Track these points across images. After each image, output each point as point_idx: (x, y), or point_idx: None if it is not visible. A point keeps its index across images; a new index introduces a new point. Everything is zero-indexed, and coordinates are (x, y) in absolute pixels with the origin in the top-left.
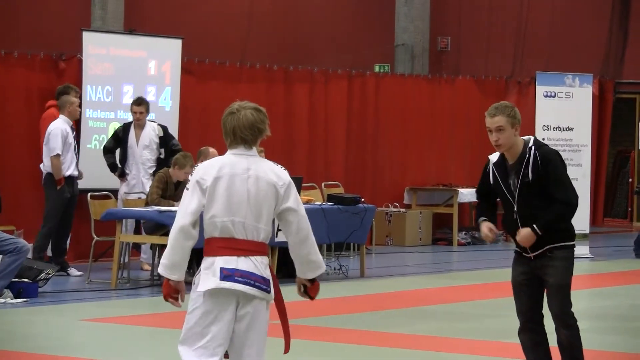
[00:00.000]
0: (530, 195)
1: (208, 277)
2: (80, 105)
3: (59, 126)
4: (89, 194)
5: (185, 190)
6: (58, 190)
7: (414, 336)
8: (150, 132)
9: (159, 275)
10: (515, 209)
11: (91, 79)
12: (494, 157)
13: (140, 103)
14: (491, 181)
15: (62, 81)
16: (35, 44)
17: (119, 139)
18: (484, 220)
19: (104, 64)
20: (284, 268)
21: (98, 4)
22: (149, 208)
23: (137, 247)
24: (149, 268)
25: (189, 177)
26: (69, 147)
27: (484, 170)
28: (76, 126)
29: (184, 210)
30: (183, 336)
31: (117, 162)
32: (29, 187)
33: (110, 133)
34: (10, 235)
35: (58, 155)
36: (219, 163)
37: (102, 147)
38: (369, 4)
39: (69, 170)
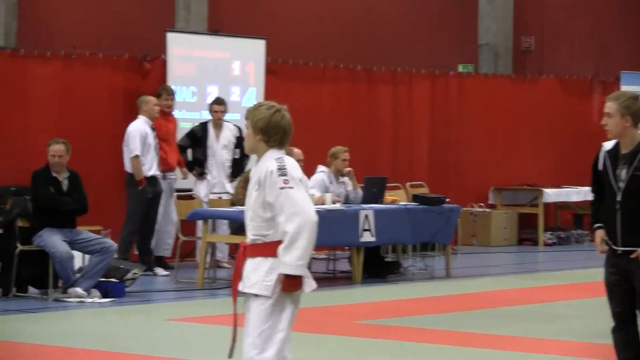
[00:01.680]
0: (639, 190)
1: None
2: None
3: (138, 127)
4: (175, 194)
5: (290, 183)
6: (139, 191)
7: (499, 337)
8: (228, 133)
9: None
10: (618, 199)
11: (176, 80)
12: (608, 144)
13: (221, 102)
14: (600, 167)
15: (147, 82)
16: (120, 45)
17: (196, 138)
18: (599, 227)
19: (188, 65)
20: (371, 268)
21: (182, 5)
22: (235, 208)
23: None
24: (229, 266)
25: (276, 170)
26: (149, 147)
27: (595, 158)
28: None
29: (310, 204)
30: (279, 350)
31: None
32: (115, 187)
33: None
34: (97, 235)
35: (137, 156)
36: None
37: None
38: (451, 3)
39: (151, 170)
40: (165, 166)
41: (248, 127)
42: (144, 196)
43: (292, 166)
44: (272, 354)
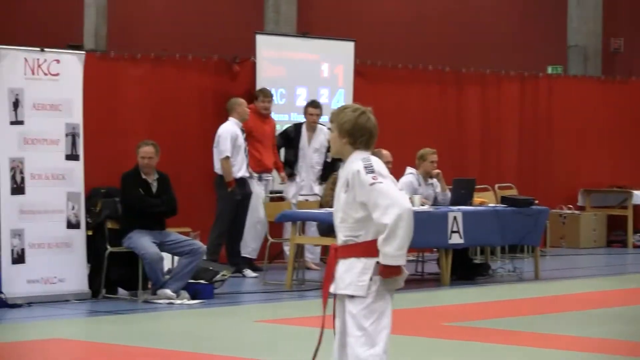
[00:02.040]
0: None
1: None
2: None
3: (228, 129)
4: (264, 196)
5: (378, 178)
6: (229, 192)
7: (589, 339)
8: (321, 136)
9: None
10: None
11: (265, 82)
12: None
13: (317, 106)
14: None
15: (236, 84)
16: (209, 47)
17: (289, 139)
18: None
19: (278, 67)
20: (459, 270)
21: (271, 7)
22: (323, 210)
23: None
24: (317, 268)
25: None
26: (238, 149)
27: None
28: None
29: (402, 194)
30: (386, 345)
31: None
32: (204, 189)
33: None
34: (186, 237)
35: (227, 158)
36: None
37: None
38: (540, 4)
39: (240, 172)
40: (261, 167)
41: (333, 130)
42: (234, 198)
43: (378, 164)
44: (381, 349)
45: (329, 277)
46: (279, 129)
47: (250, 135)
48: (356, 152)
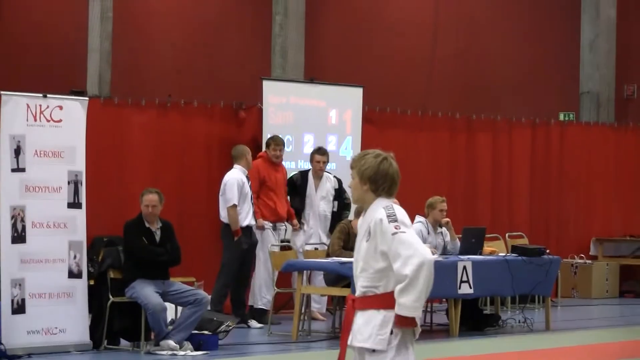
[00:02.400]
0: None
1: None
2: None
3: (235, 176)
4: (270, 245)
5: (401, 228)
6: (235, 242)
7: None
8: (328, 184)
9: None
10: None
11: (271, 129)
12: None
13: (323, 153)
14: None
15: (242, 131)
16: (214, 93)
17: (295, 187)
18: None
19: (285, 113)
20: (468, 321)
21: (278, 52)
22: (330, 259)
23: None
24: (323, 318)
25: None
26: (245, 197)
27: None
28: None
29: (423, 245)
30: None
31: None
32: (209, 238)
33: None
34: (190, 287)
35: (234, 206)
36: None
37: None
38: (552, 50)
39: (246, 220)
40: (275, 217)
41: (354, 176)
42: (240, 247)
43: (401, 212)
44: None
45: (347, 329)
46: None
47: (263, 184)
48: (378, 200)
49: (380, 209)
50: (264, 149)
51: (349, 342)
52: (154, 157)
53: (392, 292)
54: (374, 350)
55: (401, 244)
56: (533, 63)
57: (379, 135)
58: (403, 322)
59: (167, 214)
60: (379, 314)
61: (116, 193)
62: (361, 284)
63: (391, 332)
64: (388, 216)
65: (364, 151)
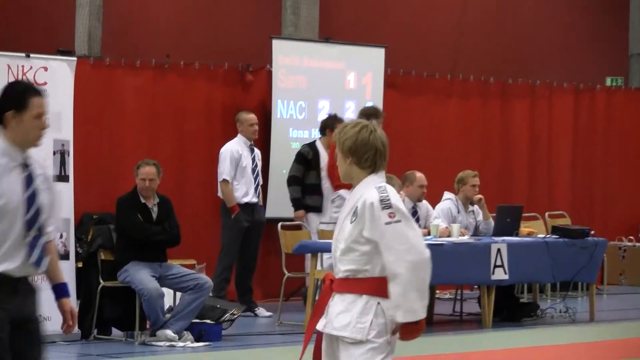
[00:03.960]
0: None
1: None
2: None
3: (230, 147)
4: (280, 224)
5: (395, 216)
6: (232, 220)
7: None
8: None
9: None
10: None
11: (282, 94)
12: None
13: (340, 121)
14: None
15: (249, 96)
16: (218, 54)
17: (308, 161)
18: None
19: (297, 77)
20: (503, 310)
21: (290, 8)
22: None
23: None
24: None
25: (378, 202)
26: (242, 170)
27: None
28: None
29: (421, 238)
30: None
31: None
32: (211, 216)
33: None
34: (191, 271)
35: (225, 181)
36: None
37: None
38: (597, 9)
39: (247, 196)
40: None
41: (338, 153)
42: (239, 225)
43: (395, 195)
44: None
45: (320, 311)
46: (296, 147)
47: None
48: (370, 177)
49: (372, 190)
50: (278, 114)
51: (320, 328)
52: (150, 124)
53: (377, 278)
54: (349, 341)
55: (396, 236)
56: (576, 21)
57: (402, 102)
58: (410, 332)
59: (165, 189)
60: (361, 300)
61: (108, 165)
62: (344, 267)
63: (371, 322)
64: (381, 200)
65: (344, 122)
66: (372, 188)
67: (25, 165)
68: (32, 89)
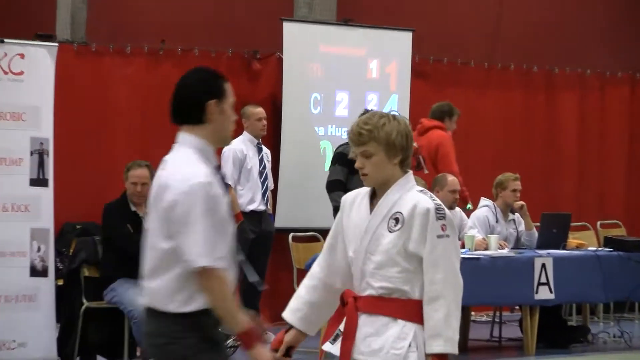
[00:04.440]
0: None
1: None
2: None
3: (233, 147)
4: (291, 235)
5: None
6: (236, 230)
7: None
8: None
9: None
10: None
11: (294, 84)
12: None
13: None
14: None
15: (256, 87)
16: (221, 38)
17: (350, 164)
18: None
19: (311, 65)
20: (549, 335)
21: None
22: None
23: None
24: None
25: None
26: (248, 173)
27: None
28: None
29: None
30: None
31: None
32: None
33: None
34: None
35: (227, 186)
36: None
37: (326, 181)
38: None
39: (253, 203)
40: None
41: (375, 151)
42: (243, 237)
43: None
44: None
45: (350, 336)
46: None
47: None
48: (407, 177)
49: (421, 195)
50: (290, 108)
51: (355, 356)
52: (143, 120)
53: (417, 301)
54: None
55: (445, 253)
56: (630, 5)
57: (433, 94)
58: None
59: None
60: (396, 324)
61: (93, 167)
62: (377, 284)
63: (409, 346)
64: (437, 209)
65: (367, 116)
66: (415, 192)
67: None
68: (219, 73)
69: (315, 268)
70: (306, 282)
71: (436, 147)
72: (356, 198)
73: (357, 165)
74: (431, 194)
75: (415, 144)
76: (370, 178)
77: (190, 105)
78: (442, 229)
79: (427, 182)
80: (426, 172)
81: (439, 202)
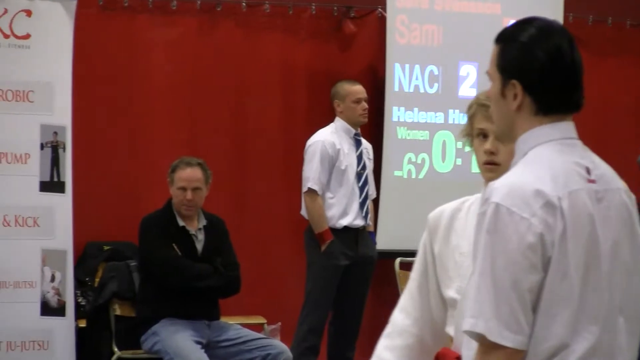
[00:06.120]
0: None
1: None
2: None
3: (321, 138)
4: (398, 260)
5: None
6: (323, 253)
7: None
8: None
9: None
10: None
11: (401, 54)
12: None
13: None
14: None
15: (350, 57)
16: None
17: None
18: None
19: (425, 27)
20: None
21: None
22: None
23: None
24: None
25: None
26: (341, 175)
27: None
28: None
29: None
30: None
31: None
32: (290, 247)
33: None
34: (258, 334)
35: (312, 192)
36: None
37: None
38: None
39: (346, 217)
40: None
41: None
42: (333, 263)
43: None
44: None
45: None
46: (427, 139)
47: None
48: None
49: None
50: (396, 86)
51: None
52: (192, 103)
53: None
54: None
55: None
56: None
57: (592, 64)
58: None
59: (216, 205)
60: None
61: (126, 166)
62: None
63: None
64: None
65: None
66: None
67: None
68: None
69: (404, 320)
70: (393, 342)
71: None
72: (455, 213)
73: (486, 147)
74: None
75: None
76: (503, 170)
77: None
78: None
79: None
80: None
81: None
